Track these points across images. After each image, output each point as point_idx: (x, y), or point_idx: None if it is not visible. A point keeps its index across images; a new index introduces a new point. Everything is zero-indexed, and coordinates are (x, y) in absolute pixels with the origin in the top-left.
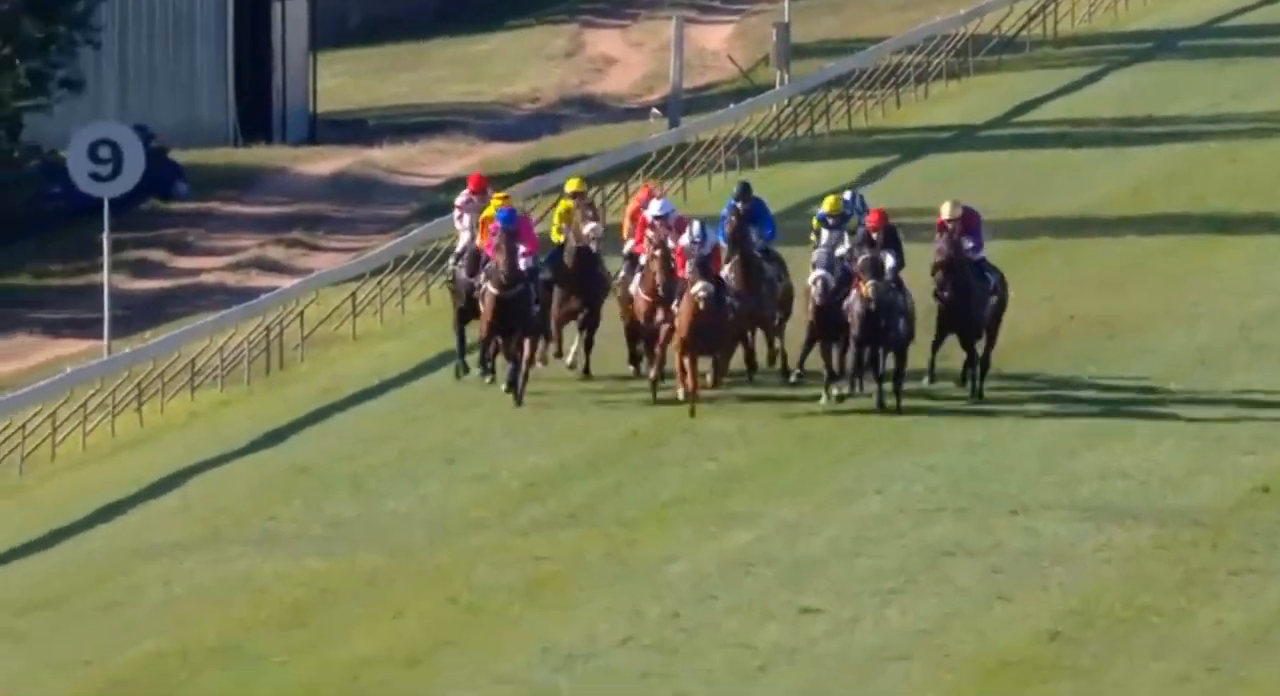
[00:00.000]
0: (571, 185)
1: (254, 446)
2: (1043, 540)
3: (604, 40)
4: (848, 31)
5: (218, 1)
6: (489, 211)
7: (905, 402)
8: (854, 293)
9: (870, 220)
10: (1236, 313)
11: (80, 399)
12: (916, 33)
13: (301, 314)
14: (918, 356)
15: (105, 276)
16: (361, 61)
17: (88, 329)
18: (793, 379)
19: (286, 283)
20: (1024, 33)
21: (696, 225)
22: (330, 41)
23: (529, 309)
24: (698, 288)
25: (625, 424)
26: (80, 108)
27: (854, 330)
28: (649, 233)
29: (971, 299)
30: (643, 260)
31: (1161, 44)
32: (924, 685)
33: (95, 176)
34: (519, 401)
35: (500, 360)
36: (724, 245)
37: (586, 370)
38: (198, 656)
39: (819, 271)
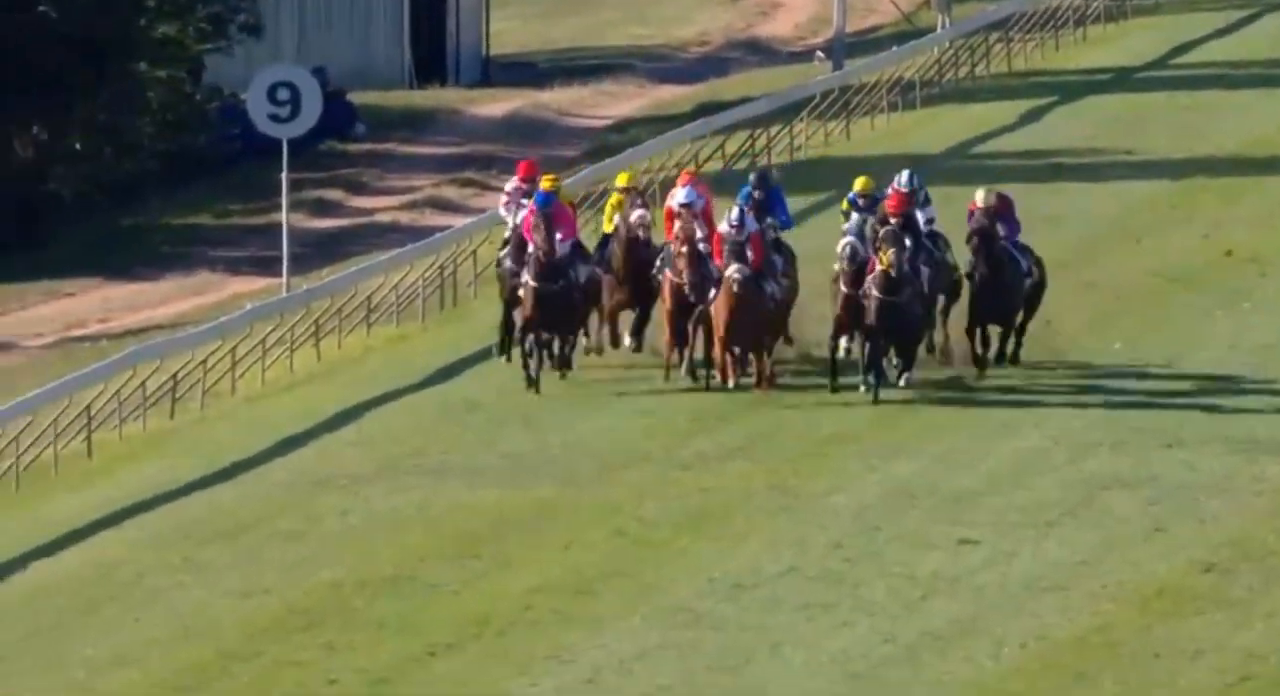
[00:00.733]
0: (621, 180)
1: (428, 381)
2: (1199, 473)
3: None
4: None
5: None
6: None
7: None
8: (869, 280)
9: (889, 204)
10: None
11: (259, 335)
12: None
13: (475, 252)
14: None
15: (284, 215)
16: (532, 5)
17: (267, 266)
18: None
19: (460, 222)
20: None
21: (735, 210)
22: None
23: (571, 307)
24: (732, 269)
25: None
26: (259, 51)
27: (869, 317)
28: (675, 223)
29: (1005, 274)
30: (670, 248)
31: None
32: (1081, 615)
33: (274, 118)
34: (563, 369)
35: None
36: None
37: (638, 348)
38: (373, 585)
39: (849, 238)
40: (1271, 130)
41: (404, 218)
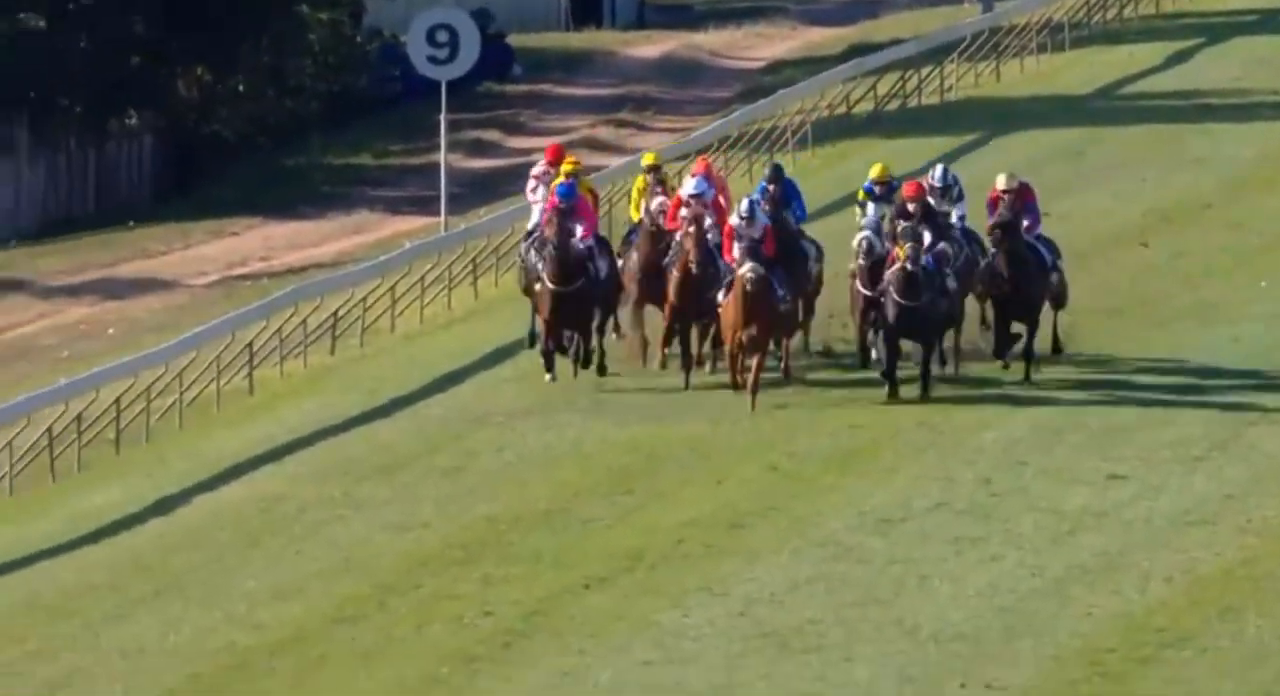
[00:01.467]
0: (647, 159)
1: None
2: None
3: None
4: None
5: None
6: (558, 181)
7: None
8: (886, 276)
9: (906, 190)
10: None
11: (418, 273)
12: None
13: (627, 192)
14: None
15: (442, 155)
16: None
17: (425, 206)
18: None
19: (615, 162)
20: None
21: (745, 202)
22: None
23: (588, 307)
24: (746, 268)
25: None
26: None
27: (887, 313)
28: (683, 211)
29: (1029, 267)
30: (677, 237)
31: None
32: (1227, 549)
33: (433, 60)
34: (582, 368)
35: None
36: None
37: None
38: (528, 520)
39: (865, 233)
40: None
41: None
